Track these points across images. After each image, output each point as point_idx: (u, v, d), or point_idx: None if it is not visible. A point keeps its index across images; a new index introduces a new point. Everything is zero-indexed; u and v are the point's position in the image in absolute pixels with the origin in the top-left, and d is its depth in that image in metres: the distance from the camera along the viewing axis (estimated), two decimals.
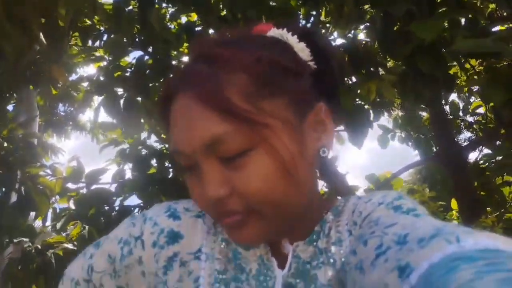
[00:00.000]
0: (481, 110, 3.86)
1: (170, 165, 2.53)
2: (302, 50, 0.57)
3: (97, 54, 2.65)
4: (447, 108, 3.76)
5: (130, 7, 2.03)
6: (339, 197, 0.63)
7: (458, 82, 3.53)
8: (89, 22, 2.28)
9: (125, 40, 2.06)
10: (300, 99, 0.52)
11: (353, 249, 0.48)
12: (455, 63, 2.40)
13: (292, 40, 0.57)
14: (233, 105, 0.47)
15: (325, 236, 0.56)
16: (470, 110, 4.15)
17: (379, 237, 0.44)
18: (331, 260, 0.53)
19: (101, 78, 2.09)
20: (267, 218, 0.50)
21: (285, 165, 0.48)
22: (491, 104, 2.61)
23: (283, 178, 0.49)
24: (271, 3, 2.17)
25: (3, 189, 2.26)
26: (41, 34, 1.63)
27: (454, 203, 4.03)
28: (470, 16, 1.78)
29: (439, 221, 0.44)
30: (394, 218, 0.48)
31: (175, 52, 2.37)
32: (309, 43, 0.57)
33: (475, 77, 3.05)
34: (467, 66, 2.99)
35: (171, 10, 2.63)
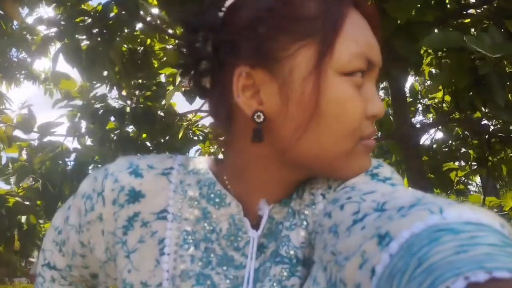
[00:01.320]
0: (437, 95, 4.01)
1: (129, 122, 2.44)
2: None
3: None
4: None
5: None
6: None
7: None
8: None
9: None
10: None
11: (328, 212, 0.47)
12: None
13: None
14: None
15: (298, 197, 0.55)
16: (424, 93, 4.30)
17: (357, 203, 0.44)
18: (304, 222, 0.53)
19: (62, 23, 1.94)
20: None
21: None
22: (450, 88, 2.70)
23: None
24: None
25: None
26: None
27: (406, 183, 4.22)
28: None
29: (417, 191, 0.44)
30: (372, 186, 0.48)
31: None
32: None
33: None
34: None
35: None
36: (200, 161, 0.60)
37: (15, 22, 2.36)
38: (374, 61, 0.51)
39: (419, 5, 1.73)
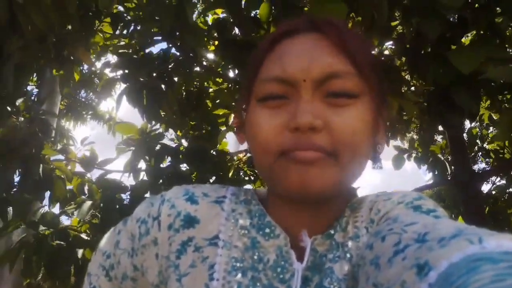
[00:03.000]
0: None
1: (183, 161, 2.53)
2: None
3: (123, 42, 2.67)
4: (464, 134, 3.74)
5: None
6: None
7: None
8: (120, 8, 2.29)
9: (153, 31, 2.07)
10: (382, 93, 0.58)
11: (370, 244, 0.47)
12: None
13: None
14: (360, 54, 0.53)
15: (342, 230, 0.55)
16: (487, 139, 4.11)
17: (398, 234, 0.43)
18: (348, 255, 0.53)
19: (127, 67, 2.10)
20: (341, 167, 0.51)
21: (374, 123, 0.54)
22: None
23: (368, 134, 0.53)
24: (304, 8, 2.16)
25: (19, 170, 2.24)
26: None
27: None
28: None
29: (460, 223, 0.43)
30: (414, 217, 0.47)
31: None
32: None
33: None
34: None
35: (199, 6, 2.66)
36: (250, 192, 0.63)
37: (85, 66, 2.58)
38: (293, 81, 0.52)
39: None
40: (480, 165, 5.12)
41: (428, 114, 2.05)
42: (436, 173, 3.66)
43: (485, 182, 3.46)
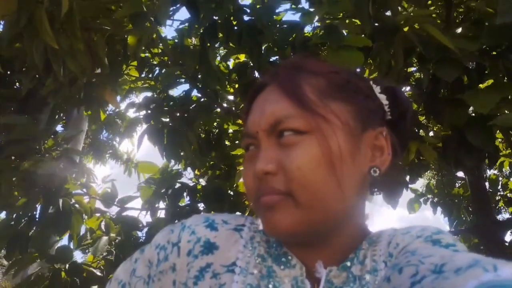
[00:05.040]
0: None
1: (200, 200, 2.55)
2: (381, 99, 0.63)
3: (146, 84, 2.78)
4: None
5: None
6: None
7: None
8: (147, 54, 2.42)
9: (176, 73, 2.17)
10: (364, 114, 0.58)
11: (387, 276, 0.47)
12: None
13: (375, 88, 0.63)
14: (304, 94, 0.56)
15: (359, 263, 0.56)
16: (508, 188, 4.01)
17: (415, 266, 0.44)
18: None
19: (151, 107, 2.18)
20: (301, 206, 0.52)
21: (330, 156, 0.53)
22: None
23: (326, 168, 0.52)
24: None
25: (41, 205, 2.29)
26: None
27: None
28: None
29: (478, 255, 0.43)
30: (431, 250, 0.48)
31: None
32: (390, 95, 0.63)
33: None
34: None
35: (221, 51, 2.78)
36: None
37: (110, 107, 2.68)
38: (253, 135, 0.58)
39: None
40: (504, 215, 4.97)
41: (444, 157, 2.04)
42: (454, 220, 3.56)
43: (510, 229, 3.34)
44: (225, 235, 0.61)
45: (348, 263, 0.56)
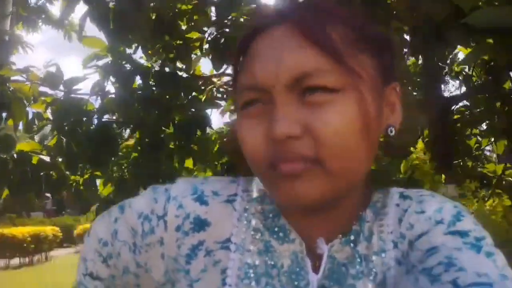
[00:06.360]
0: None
1: (154, 83, 2.40)
2: None
3: None
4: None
5: None
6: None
7: None
8: None
9: None
10: (385, 68, 0.52)
11: (407, 269, 0.46)
12: None
13: None
14: (335, 42, 0.47)
15: (365, 239, 0.53)
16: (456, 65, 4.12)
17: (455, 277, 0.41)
18: (372, 272, 0.51)
19: None
20: (332, 174, 0.46)
21: (367, 118, 0.47)
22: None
23: (360, 132, 0.46)
24: None
25: None
26: None
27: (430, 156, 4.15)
28: None
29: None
30: (462, 256, 0.44)
31: None
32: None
33: None
34: None
35: None
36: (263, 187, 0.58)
37: None
38: (265, 88, 0.48)
39: None
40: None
41: (411, 47, 1.99)
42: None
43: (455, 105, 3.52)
44: (216, 209, 0.56)
45: (352, 237, 0.53)
